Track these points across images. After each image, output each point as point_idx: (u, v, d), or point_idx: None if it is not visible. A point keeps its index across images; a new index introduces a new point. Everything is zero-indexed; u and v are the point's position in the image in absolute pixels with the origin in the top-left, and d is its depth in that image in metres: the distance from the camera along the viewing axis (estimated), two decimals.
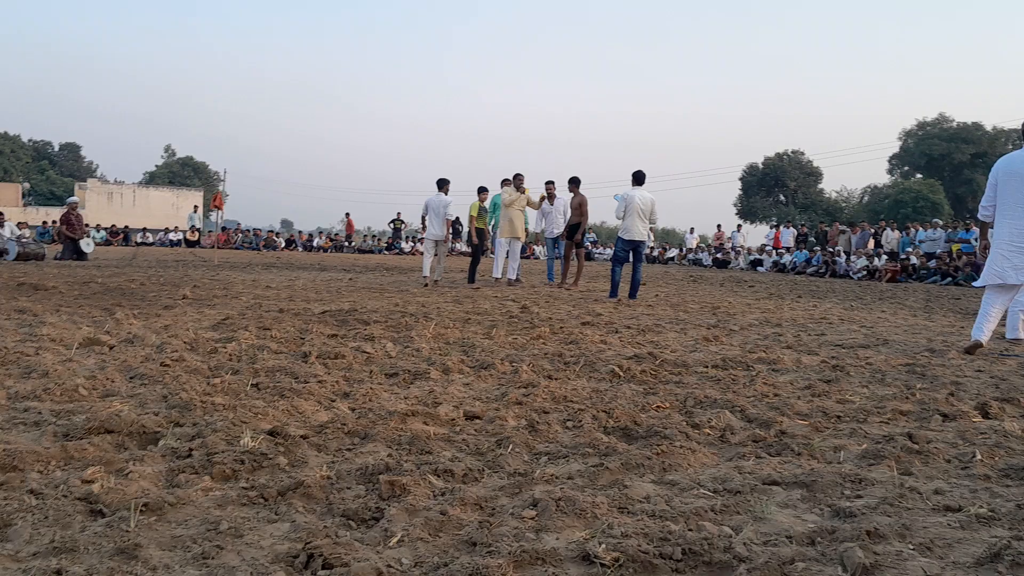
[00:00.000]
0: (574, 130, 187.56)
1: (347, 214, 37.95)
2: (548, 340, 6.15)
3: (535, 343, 5.95)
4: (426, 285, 12.26)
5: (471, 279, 12.55)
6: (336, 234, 43.60)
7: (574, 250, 13.19)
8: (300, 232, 38.70)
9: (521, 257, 13.99)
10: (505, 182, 13.31)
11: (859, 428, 3.46)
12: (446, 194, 12.58)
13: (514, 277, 13.25)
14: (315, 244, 34.92)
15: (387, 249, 34.84)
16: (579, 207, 12.89)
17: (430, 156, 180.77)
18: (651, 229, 34.96)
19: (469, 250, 13.56)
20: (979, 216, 6.33)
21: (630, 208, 10.50)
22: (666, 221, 51.30)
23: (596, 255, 34.12)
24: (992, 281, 6.14)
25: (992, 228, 6.26)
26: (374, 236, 42.52)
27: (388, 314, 7.51)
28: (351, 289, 11.09)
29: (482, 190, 12.99)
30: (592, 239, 38.92)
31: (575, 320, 7.68)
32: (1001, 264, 6.07)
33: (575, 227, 12.99)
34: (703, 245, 33.28)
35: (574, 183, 13.01)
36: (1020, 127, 6.08)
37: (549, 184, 13.54)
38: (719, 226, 33.95)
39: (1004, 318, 7.11)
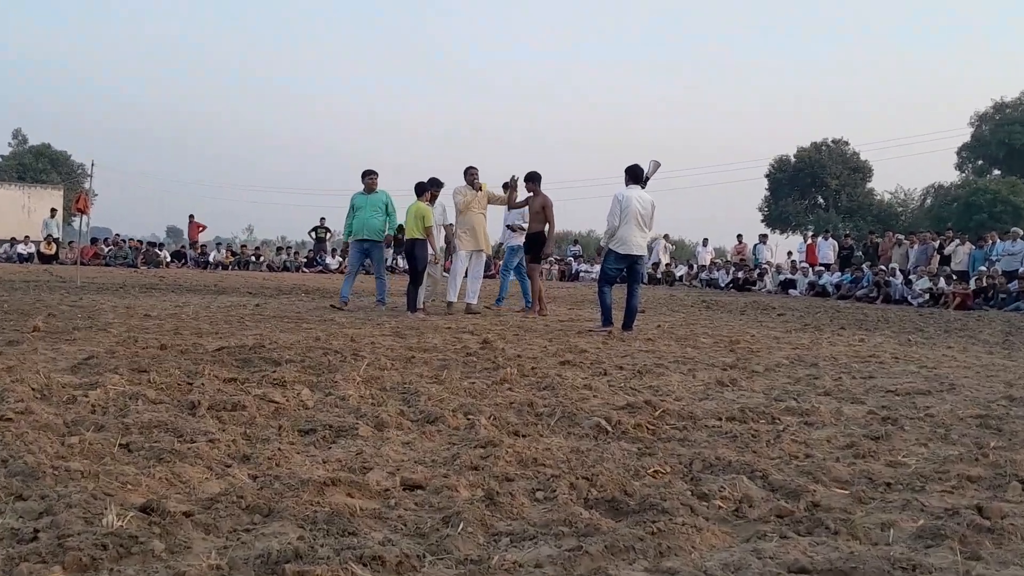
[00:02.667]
0: (548, 122, 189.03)
1: (191, 216, 37.06)
2: (516, 385, 6.16)
3: (498, 389, 5.96)
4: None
5: (411, 305, 12.54)
6: (243, 244, 43.33)
7: (532, 266, 13.29)
8: (194, 244, 38.33)
9: (485, 276, 14.04)
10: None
11: (914, 499, 3.50)
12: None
13: (473, 302, 13.27)
14: (212, 259, 34.67)
15: (307, 265, 34.72)
16: (542, 211, 12.95)
17: (361, 149, 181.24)
18: (666, 240, 34.66)
19: (407, 267, 13.56)
20: None
21: (627, 213, 10.50)
22: (673, 231, 51.36)
23: (582, 274, 34.27)
24: None
25: None
26: (288, 248, 42.24)
27: (305, 351, 7.47)
28: (257, 318, 11.02)
29: (432, 185, 12.87)
30: (575, 251, 39.10)
31: (552, 358, 7.71)
32: None
33: (537, 238, 13.01)
34: (719, 261, 33.54)
35: (533, 180, 13.10)
36: None
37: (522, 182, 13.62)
38: (740, 237, 34.35)
39: None
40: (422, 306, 12.78)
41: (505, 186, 13.89)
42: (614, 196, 10.67)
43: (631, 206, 10.52)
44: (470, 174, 13.32)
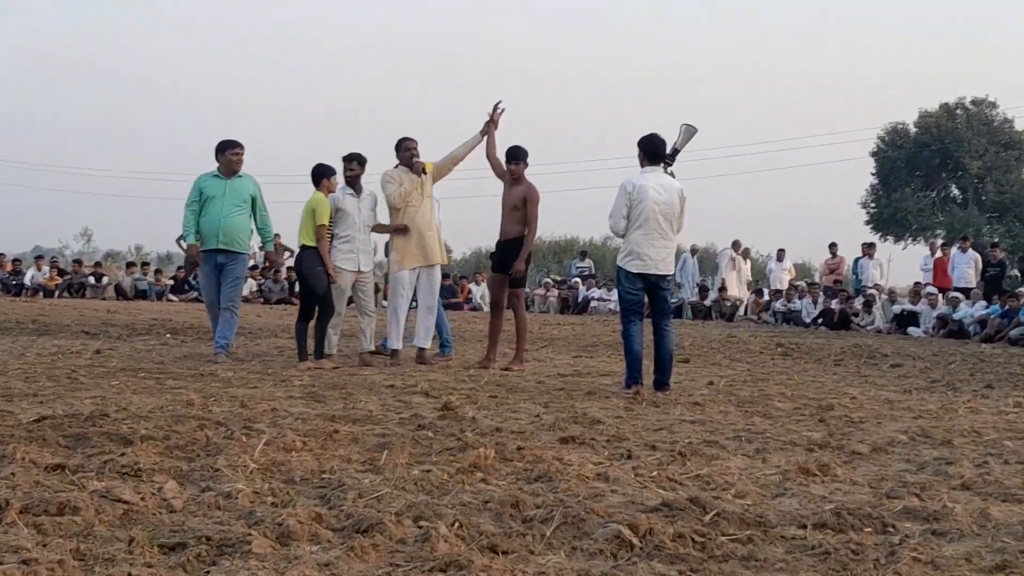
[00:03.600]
0: (540, 77, 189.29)
1: None
2: (493, 474, 6.13)
3: (467, 480, 5.92)
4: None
5: (319, 349, 12.38)
6: (76, 260, 42.95)
7: (508, 294, 13.11)
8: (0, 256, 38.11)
9: (449, 302, 13.95)
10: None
11: None
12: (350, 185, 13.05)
13: (426, 346, 13.31)
14: (28, 281, 34.45)
15: (175, 291, 34.57)
16: (523, 206, 12.76)
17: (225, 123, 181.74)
18: (736, 251, 33.86)
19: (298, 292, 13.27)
20: None
21: (641, 209, 10.52)
22: (731, 239, 51.05)
23: (594, 303, 34.27)
24: None
25: None
26: (145, 264, 41.99)
27: (171, 423, 7.43)
28: (98, 373, 10.98)
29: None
30: (583, 269, 39.07)
31: (548, 433, 7.69)
32: None
33: (512, 247, 12.79)
34: (801, 284, 33.45)
35: (515, 159, 12.80)
36: None
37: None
38: (833, 247, 34.30)
39: None
40: (334, 352, 12.76)
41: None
42: (621, 186, 10.65)
43: (647, 200, 10.47)
44: (406, 148, 13.07)
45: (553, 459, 6.57)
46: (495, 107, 13.17)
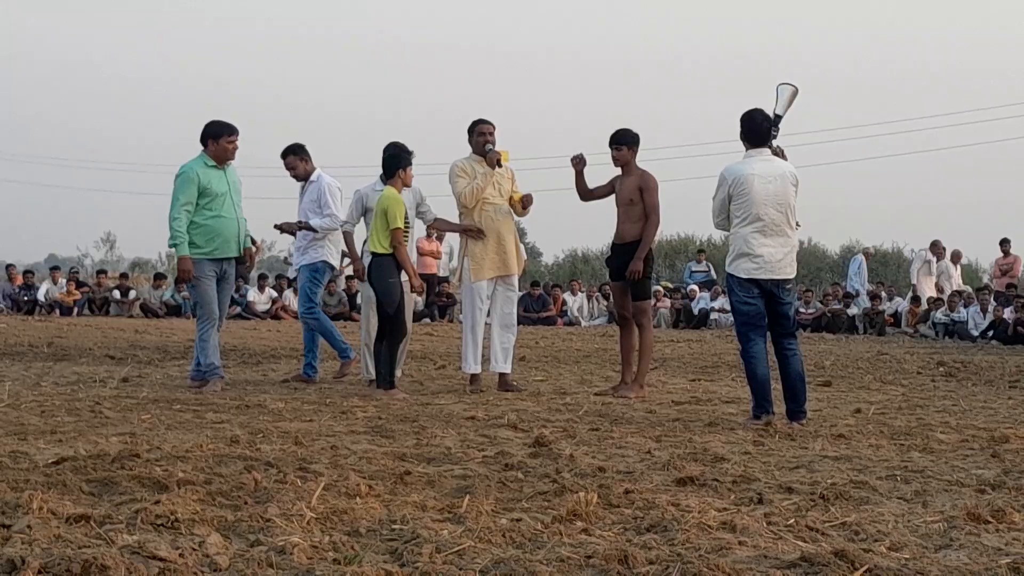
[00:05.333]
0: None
1: None
2: (596, 523, 6.12)
3: (565, 530, 5.91)
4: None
5: (388, 377, 12.33)
6: (99, 271, 43.22)
7: (631, 306, 13.05)
8: (8, 268, 38.53)
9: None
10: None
11: None
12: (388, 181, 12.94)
13: (507, 370, 13.40)
14: (43, 297, 34.74)
15: None
16: (639, 197, 12.78)
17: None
18: (939, 253, 32.87)
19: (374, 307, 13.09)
20: None
21: (746, 202, 10.47)
22: (873, 235, 50.04)
23: (714, 315, 34.14)
24: None
25: None
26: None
27: (213, 464, 7.49)
28: (126, 405, 11.09)
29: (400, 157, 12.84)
30: (700, 274, 38.89)
31: (661, 473, 7.68)
32: None
33: (631, 251, 12.91)
34: (966, 288, 33.00)
35: (623, 144, 12.83)
36: None
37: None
38: (1005, 244, 33.74)
39: None
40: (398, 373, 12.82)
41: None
42: (719, 175, 10.68)
43: (751, 191, 10.41)
44: (480, 134, 13.09)
45: (668, 504, 6.54)
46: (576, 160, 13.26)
